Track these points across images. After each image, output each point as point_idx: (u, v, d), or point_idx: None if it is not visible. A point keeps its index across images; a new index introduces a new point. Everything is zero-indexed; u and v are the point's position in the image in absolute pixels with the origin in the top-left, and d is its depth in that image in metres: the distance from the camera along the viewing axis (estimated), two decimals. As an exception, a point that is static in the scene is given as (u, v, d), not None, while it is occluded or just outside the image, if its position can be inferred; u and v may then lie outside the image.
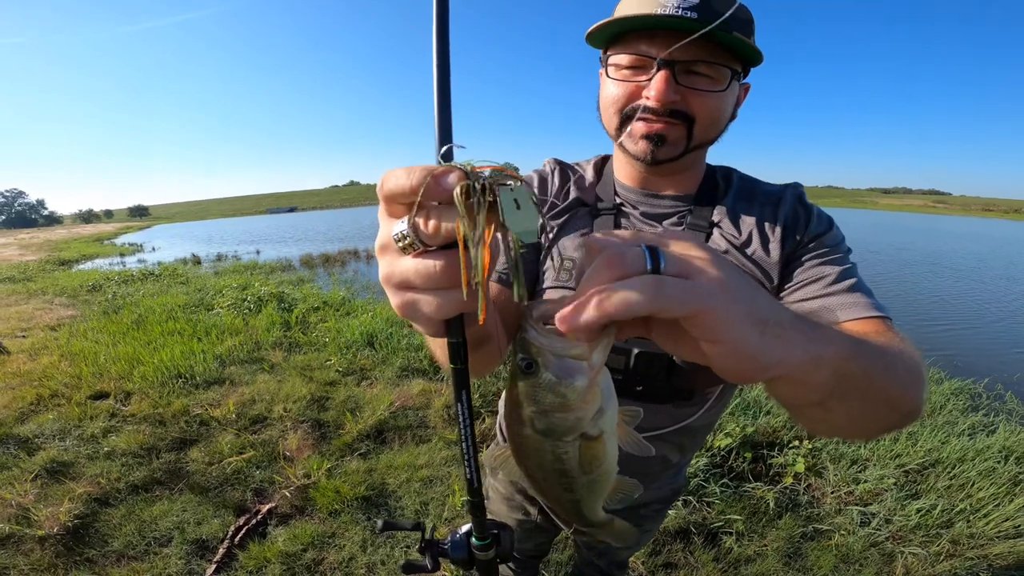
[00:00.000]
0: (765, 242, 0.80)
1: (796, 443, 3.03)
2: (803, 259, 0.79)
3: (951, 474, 2.77)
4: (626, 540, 0.68)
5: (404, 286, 0.38)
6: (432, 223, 0.35)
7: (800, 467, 2.81)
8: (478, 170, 0.34)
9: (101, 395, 3.85)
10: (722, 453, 2.90)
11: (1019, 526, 2.37)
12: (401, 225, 0.36)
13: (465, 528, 0.69)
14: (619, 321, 0.35)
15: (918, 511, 2.46)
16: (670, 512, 2.43)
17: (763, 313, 0.36)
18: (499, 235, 0.36)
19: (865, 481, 2.70)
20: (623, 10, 0.76)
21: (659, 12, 0.69)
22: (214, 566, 2.11)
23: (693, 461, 2.75)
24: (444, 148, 0.38)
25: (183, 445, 3.12)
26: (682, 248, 0.36)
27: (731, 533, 2.35)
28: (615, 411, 0.43)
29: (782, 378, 0.39)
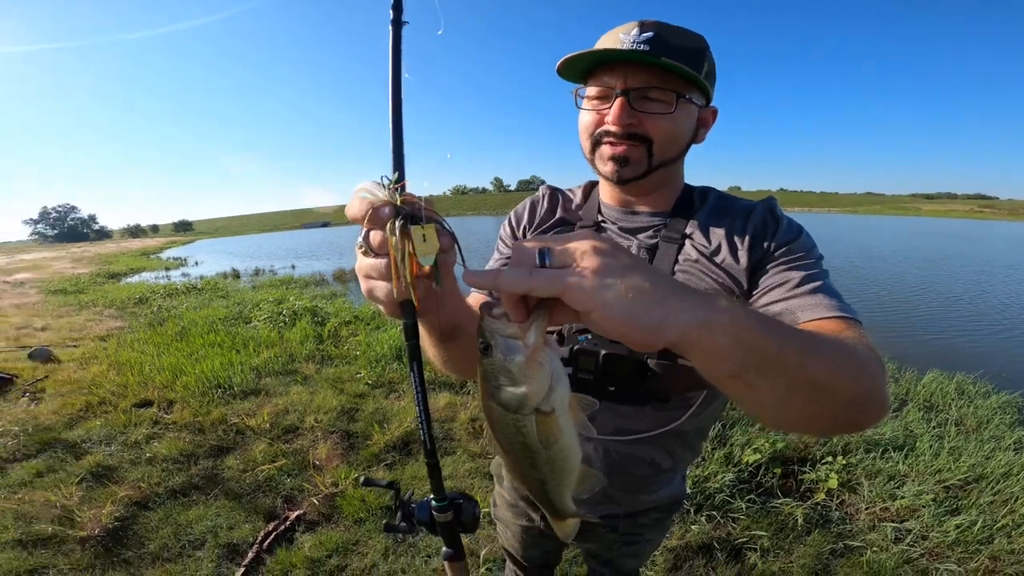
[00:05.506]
0: (734, 250, 0.86)
1: (830, 459, 2.95)
2: (770, 266, 0.83)
3: (995, 489, 2.66)
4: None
5: (367, 276, 0.55)
6: (376, 239, 0.51)
7: (833, 483, 2.73)
8: (411, 200, 0.50)
9: (145, 403, 4.02)
10: (749, 468, 2.85)
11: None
12: (359, 237, 0.53)
13: None
14: (553, 309, 0.46)
15: (957, 527, 2.36)
16: (693, 527, 2.41)
17: (637, 284, 0.42)
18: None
19: (902, 497, 2.62)
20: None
21: (616, 47, 0.81)
22: (242, 570, 2.18)
23: (719, 476, 2.72)
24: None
25: (220, 452, 3.24)
26: (575, 245, 0.44)
27: (756, 549, 2.30)
28: (565, 392, 0.50)
29: (686, 345, 0.44)
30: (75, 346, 5.96)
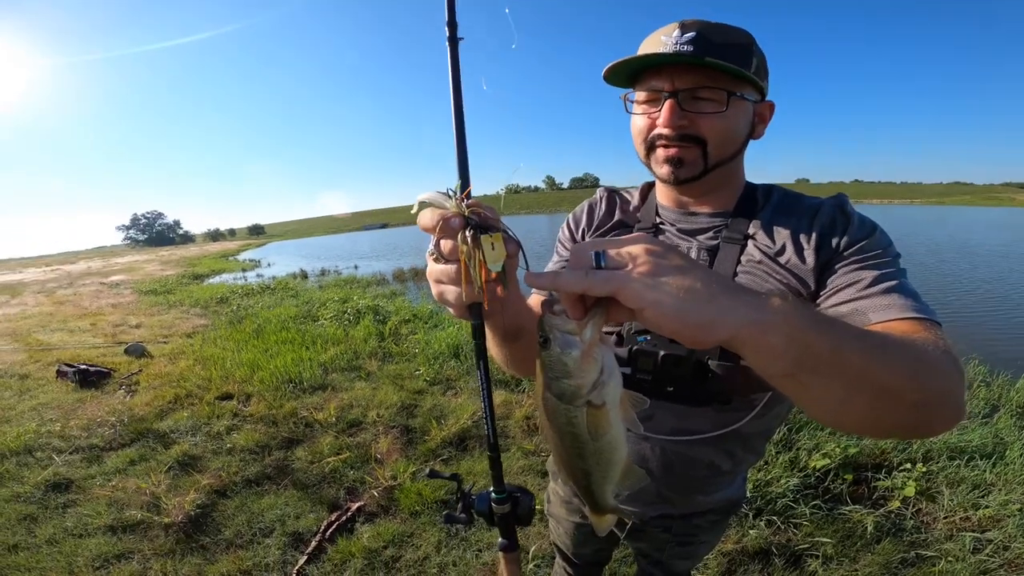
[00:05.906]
0: (799, 250, 0.83)
1: (908, 466, 2.78)
2: (839, 266, 0.79)
3: (1090, 501, 2.41)
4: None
5: (437, 280, 0.60)
6: (447, 248, 0.56)
7: (910, 491, 2.57)
8: (479, 211, 0.54)
9: (227, 396, 4.31)
10: (816, 474, 2.73)
11: None
12: (430, 245, 0.58)
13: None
14: (609, 308, 0.48)
15: (1043, 537, 2.17)
16: (750, 532, 2.35)
17: (688, 284, 0.44)
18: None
19: (986, 507, 2.43)
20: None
21: (660, 51, 0.80)
22: (305, 557, 2.30)
23: (782, 480, 2.62)
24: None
25: (290, 444, 3.43)
26: (629, 248, 0.47)
27: (817, 556, 2.21)
28: (617, 387, 0.52)
29: (739, 342, 0.46)
30: (165, 342, 6.46)
